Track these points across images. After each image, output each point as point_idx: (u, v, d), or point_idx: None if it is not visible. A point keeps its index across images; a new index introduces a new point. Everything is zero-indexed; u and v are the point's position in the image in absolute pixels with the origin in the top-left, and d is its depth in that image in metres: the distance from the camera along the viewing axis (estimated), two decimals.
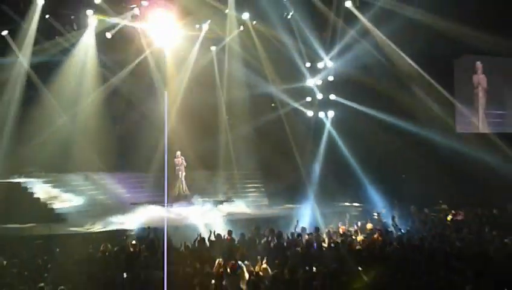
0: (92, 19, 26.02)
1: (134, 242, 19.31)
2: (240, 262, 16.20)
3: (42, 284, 13.40)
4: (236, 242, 19.42)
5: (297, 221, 22.89)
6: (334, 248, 18.37)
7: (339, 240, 19.65)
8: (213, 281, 14.08)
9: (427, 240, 19.61)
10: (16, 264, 16.09)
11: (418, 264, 15.95)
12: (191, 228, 22.10)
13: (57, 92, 25.79)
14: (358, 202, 28.59)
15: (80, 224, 23.62)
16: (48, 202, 25.16)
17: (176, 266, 15.54)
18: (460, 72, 32.29)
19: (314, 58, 30.65)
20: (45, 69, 25.73)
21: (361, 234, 21.22)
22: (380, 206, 26.93)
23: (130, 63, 27.70)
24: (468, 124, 32.61)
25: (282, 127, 30.66)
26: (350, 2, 28.63)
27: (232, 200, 28.38)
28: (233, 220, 24.57)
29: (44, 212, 24.27)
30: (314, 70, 31.13)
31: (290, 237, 20.43)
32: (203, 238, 19.51)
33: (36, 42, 25.16)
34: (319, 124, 31.52)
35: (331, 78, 31.27)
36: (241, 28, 28.85)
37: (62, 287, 13.23)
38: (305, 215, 24.98)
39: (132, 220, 24.22)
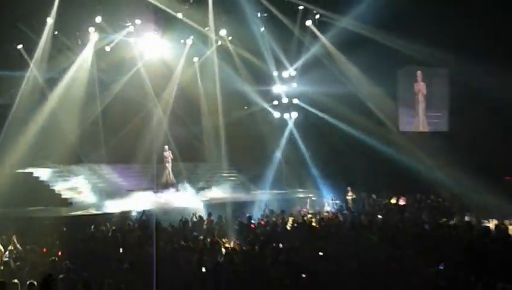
0: (93, 35, 25.90)
1: (129, 223, 19.41)
2: (217, 239, 16.36)
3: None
4: (214, 223, 19.53)
5: (266, 205, 23.07)
6: (297, 228, 18.52)
7: (300, 221, 19.82)
8: (195, 256, 14.13)
9: (376, 221, 19.82)
10: (28, 241, 16.11)
11: (367, 241, 16.13)
12: (177, 211, 22.10)
13: (63, 96, 25.61)
14: (318, 189, 28.68)
15: (83, 207, 23.59)
16: (57, 189, 25.09)
17: (163, 243, 15.61)
18: (403, 80, 32.49)
19: (281, 68, 30.71)
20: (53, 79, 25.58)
21: (319, 215, 21.36)
22: (336, 193, 27.13)
23: (126, 71, 27.59)
24: (410, 124, 32.84)
25: (253, 126, 30.77)
26: (310, 21, 28.80)
27: (211, 188, 28.41)
28: (212, 204, 24.59)
29: (53, 197, 24.19)
30: (281, 78, 31.25)
31: (260, 218, 20.59)
32: (187, 220, 19.59)
33: (47, 55, 24.99)
34: (283, 124, 31.61)
35: (294, 85, 31.40)
36: (219, 42, 28.84)
37: (67, 261, 13.25)
38: (273, 201, 25.15)
39: (128, 204, 24.21)
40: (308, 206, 24.72)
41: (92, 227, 18.35)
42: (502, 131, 27.82)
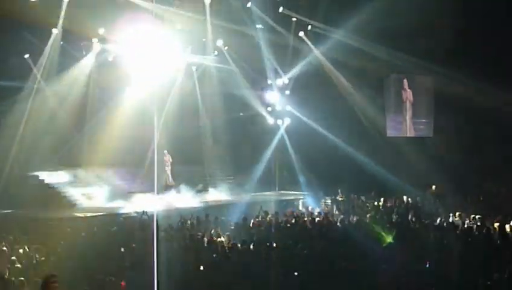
0: (97, 46, 25.88)
1: (130, 222, 19.39)
2: (214, 239, 16.35)
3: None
4: (211, 224, 19.51)
5: (261, 206, 23.06)
6: (290, 228, 18.51)
7: (293, 221, 19.81)
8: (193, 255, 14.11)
9: (363, 221, 19.83)
10: (34, 241, 16.06)
11: (356, 240, 16.15)
12: (176, 212, 22.06)
13: (66, 101, 25.61)
14: (310, 191, 28.67)
15: (86, 208, 23.56)
16: (61, 191, 25.05)
17: (163, 242, 15.58)
18: (390, 88, 32.52)
19: (275, 76, 30.75)
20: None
21: (311, 216, 21.33)
22: (326, 195, 27.16)
23: (127, 79, 27.61)
24: (398, 130, 32.88)
25: (248, 131, 30.79)
26: (303, 32, 28.89)
27: (209, 190, 28.39)
28: (209, 206, 24.63)
29: (57, 199, 24.15)
30: (275, 86, 31.27)
31: (255, 219, 20.57)
32: (185, 221, 19.57)
33: (52, 64, 24.98)
34: (277, 129, 31.60)
35: (287, 93, 31.46)
36: (216, 52, 28.87)
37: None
38: (267, 202, 25.17)
39: (129, 206, 24.22)
40: (300, 208, 24.69)
41: (95, 227, 18.32)
42: (483, 136, 27.94)
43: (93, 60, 26.32)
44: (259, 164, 29.78)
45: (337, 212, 22.86)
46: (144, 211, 21.01)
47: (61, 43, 24.83)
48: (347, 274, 12.22)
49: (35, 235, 17.04)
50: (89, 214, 22.34)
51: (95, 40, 25.75)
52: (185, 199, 25.89)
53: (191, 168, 30.08)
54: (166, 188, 27.12)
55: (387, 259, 13.14)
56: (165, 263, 13.12)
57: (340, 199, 26.62)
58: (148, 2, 24.52)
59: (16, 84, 24.20)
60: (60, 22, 23.91)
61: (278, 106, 31.61)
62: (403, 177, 26.44)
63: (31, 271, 12.60)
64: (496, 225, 17.35)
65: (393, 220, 19.83)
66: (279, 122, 31.61)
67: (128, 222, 19.60)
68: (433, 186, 26.30)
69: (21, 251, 15.10)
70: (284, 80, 30.93)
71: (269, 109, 31.77)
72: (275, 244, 15.36)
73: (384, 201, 24.95)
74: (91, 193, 25.57)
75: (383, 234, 16.03)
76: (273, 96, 31.52)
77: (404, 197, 25.07)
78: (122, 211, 22.96)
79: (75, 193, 25.16)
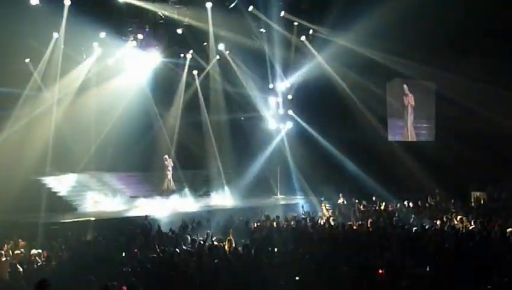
0: (97, 50, 25.94)
1: (131, 227, 19.38)
2: (215, 243, 16.36)
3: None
4: (213, 228, 19.49)
5: (262, 211, 23.07)
6: (291, 232, 18.51)
7: (295, 225, 19.82)
8: (194, 259, 14.11)
9: (365, 225, 19.86)
10: (35, 245, 16.09)
11: (358, 244, 16.17)
12: (177, 217, 22.06)
13: (68, 107, 25.64)
14: (311, 196, 28.67)
15: (87, 213, 23.56)
16: (62, 195, 25.06)
17: (164, 247, 15.61)
18: (392, 93, 32.57)
19: (278, 80, 30.76)
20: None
21: (313, 220, 21.33)
22: (328, 199, 27.18)
23: (129, 84, 27.67)
24: (399, 135, 32.94)
25: (251, 135, 30.78)
26: (304, 36, 28.94)
27: (210, 194, 28.36)
28: (211, 210, 24.62)
29: (58, 203, 24.13)
30: (277, 90, 31.28)
31: (257, 223, 20.57)
32: (186, 225, 19.57)
33: (53, 68, 25.02)
34: (278, 133, 31.59)
35: (290, 97, 31.48)
36: (218, 57, 28.89)
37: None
38: (268, 206, 25.18)
39: (130, 210, 24.25)
40: (302, 211, 24.67)
41: (96, 232, 18.35)
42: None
43: (94, 64, 26.26)
44: (260, 168, 29.80)
45: (333, 217, 22.87)
46: (145, 216, 21.04)
47: (62, 46, 24.81)
48: (347, 278, 12.24)
49: (36, 239, 17.06)
50: (90, 219, 22.29)
51: (95, 43, 25.71)
52: (187, 204, 25.85)
53: (193, 173, 30.11)
54: (167, 192, 27.09)
55: (388, 263, 13.17)
56: (165, 268, 13.23)
57: (341, 202, 26.62)
58: (149, 4, 24.72)
59: (17, 88, 24.26)
60: (63, 25, 23.88)
61: (280, 110, 31.60)
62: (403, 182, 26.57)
63: (32, 276, 12.60)
64: (497, 229, 17.44)
65: (394, 224, 19.90)
66: (281, 126, 31.60)
67: (130, 227, 19.56)
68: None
69: (22, 255, 15.13)
70: (285, 84, 30.94)
71: (271, 113, 31.75)
72: (276, 249, 15.41)
73: (385, 205, 25.00)
74: (92, 198, 25.54)
75: None
76: (275, 101, 31.52)
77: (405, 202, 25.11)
78: (123, 215, 22.95)
79: (76, 198, 25.16)
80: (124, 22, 25.83)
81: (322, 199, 27.52)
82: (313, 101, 29.54)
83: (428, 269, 13.00)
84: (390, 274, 12.12)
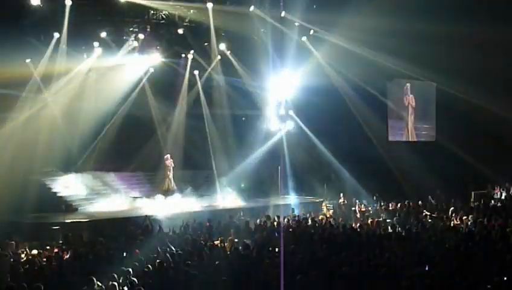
0: (98, 50, 25.94)
1: (132, 227, 19.39)
2: (216, 243, 16.39)
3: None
4: (214, 228, 19.53)
5: (263, 211, 23.12)
6: (291, 232, 18.51)
7: (295, 226, 19.82)
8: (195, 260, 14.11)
9: (365, 225, 19.89)
10: (36, 246, 16.12)
11: (357, 244, 16.19)
12: (178, 217, 22.08)
13: (68, 106, 25.63)
14: (311, 196, 28.68)
15: (88, 213, 23.58)
16: (62, 195, 25.07)
17: (165, 246, 15.62)
18: (393, 93, 32.58)
19: (278, 79, 30.68)
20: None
21: (313, 220, 21.35)
22: (329, 199, 27.21)
23: (130, 84, 27.71)
24: (400, 135, 32.96)
25: (252, 136, 30.73)
26: (305, 37, 28.93)
27: (210, 194, 28.31)
28: (212, 210, 24.65)
29: (59, 204, 24.11)
30: (278, 90, 31.16)
31: (257, 224, 20.59)
32: (187, 225, 19.59)
33: (53, 67, 25.02)
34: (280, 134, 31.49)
35: (291, 97, 31.37)
36: (219, 57, 28.87)
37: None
38: (269, 207, 25.17)
39: (131, 210, 24.27)
40: (302, 212, 24.67)
41: (96, 233, 18.37)
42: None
43: (94, 64, 26.27)
44: (260, 167, 29.80)
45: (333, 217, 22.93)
46: (146, 216, 21.06)
47: (63, 46, 24.81)
48: (349, 278, 12.24)
49: (37, 240, 17.08)
50: (91, 219, 22.34)
51: (96, 44, 25.73)
52: (188, 204, 25.84)
53: (194, 172, 30.09)
54: (168, 192, 27.09)
55: (388, 263, 13.18)
56: (166, 269, 13.24)
57: (341, 202, 26.63)
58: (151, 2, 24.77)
59: (17, 88, 24.24)
60: (65, 24, 23.88)
61: (281, 110, 31.52)
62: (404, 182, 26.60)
63: (33, 276, 12.61)
64: (497, 228, 17.45)
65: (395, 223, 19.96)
66: (282, 126, 31.51)
67: (130, 227, 19.58)
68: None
69: (23, 255, 15.16)
70: (286, 84, 30.85)
71: (272, 112, 31.68)
72: (277, 249, 15.42)
73: (386, 205, 25.02)
74: (93, 198, 25.57)
75: None
76: (275, 101, 31.44)
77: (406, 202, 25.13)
78: (124, 215, 22.96)
79: (77, 198, 25.17)
80: (125, 22, 25.85)
81: (323, 199, 27.56)
82: (313, 101, 29.48)
83: (428, 268, 13.01)
84: (390, 274, 12.12)
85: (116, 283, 11.51)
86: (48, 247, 16.22)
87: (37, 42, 24.27)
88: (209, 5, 25.52)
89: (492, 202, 25.63)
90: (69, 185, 25.89)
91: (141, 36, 26.24)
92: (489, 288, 11.38)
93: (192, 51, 28.53)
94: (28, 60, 24.57)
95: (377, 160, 28.53)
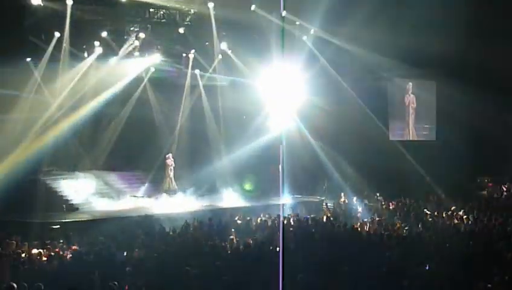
0: (98, 49, 25.92)
1: (133, 227, 19.37)
2: (217, 242, 16.37)
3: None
4: (215, 227, 19.51)
5: (264, 210, 23.12)
6: (292, 231, 18.51)
7: (296, 225, 19.82)
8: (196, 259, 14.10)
9: (366, 224, 19.91)
10: (36, 245, 16.09)
11: (358, 243, 16.20)
12: (179, 216, 22.06)
13: (68, 104, 25.59)
14: (314, 195, 28.68)
15: (89, 213, 23.56)
16: (63, 195, 25.05)
17: (166, 247, 15.62)
18: (393, 93, 32.56)
19: (279, 79, 30.58)
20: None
21: (314, 220, 21.31)
22: (329, 198, 27.19)
23: (130, 83, 27.67)
24: (400, 134, 32.95)
25: (253, 135, 30.65)
26: (305, 36, 28.90)
27: (211, 194, 28.22)
28: (212, 209, 24.62)
29: (60, 203, 24.12)
30: (279, 89, 31.04)
31: (259, 223, 20.59)
32: (188, 224, 19.57)
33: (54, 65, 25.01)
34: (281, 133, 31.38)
35: (292, 96, 31.27)
36: (220, 56, 28.83)
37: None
38: (271, 206, 25.16)
39: (131, 210, 24.25)
40: (303, 211, 24.66)
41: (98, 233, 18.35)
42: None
43: (95, 63, 26.25)
44: (261, 167, 29.76)
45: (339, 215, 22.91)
46: (147, 215, 21.05)
47: (64, 45, 24.80)
48: (349, 278, 12.23)
49: (37, 239, 17.06)
50: (91, 218, 22.34)
51: (96, 43, 25.72)
52: (188, 203, 25.81)
53: (195, 172, 30.02)
54: (169, 191, 27.07)
55: (389, 262, 13.18)
56: (167, 268, 13.24)
57: (342, 202, 26.63)
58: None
59: (18, 87, 24.24)
60: (67, 24, 23.87)
61: (282, 109, 31.45)
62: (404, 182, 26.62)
63: (33, 276, 12.59)
64: (497, 227, 17.46)
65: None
66: (282, 125, 31.44)
67: (131, 226, 19.56)
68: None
69: (23, 255, 15.13)
70: (287, 83, 30.80)
71: (272, 111, 31.63)
72: (278, 249, 15.43)
73: (387, 204, 25.03)
74: (94, 197, 25.53)
75: None
76: (276, 100, 31.40)
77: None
78: (125, 215, 22.94)
79: (77, 197, 25.14)
80: (125, 22, 25.85)
81: (323, 198, 27.56)
82: (314, 100, 29.47)
83: (428, 268, 13.00)
84: (390, 273, 12.11)
85: (116, 283, 11.50)
86: (48, 246, 16.17)
87: (38, 41, 24.29)
88: (210, 5, 25.53)
89: (493, 201, 25.60)
90: (70, 185, 25.87)
91: (142, 35, 26.23)
92: (490, 287, 11.37)
93: (193, 51, 28.50)
94: (28, 59, 24.58)
95: (377, 159, 28.48)
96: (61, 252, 15.53)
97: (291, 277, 12.12)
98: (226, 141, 29.88)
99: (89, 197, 25.44)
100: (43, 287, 10.91)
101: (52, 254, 15.18)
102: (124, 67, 27.09)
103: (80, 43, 25.57)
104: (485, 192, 27.25)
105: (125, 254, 15.15)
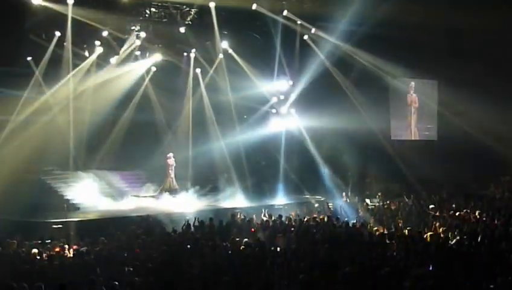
0: (99, 48, 25.91)
1: (133, 227, 19.34)
2: (218, 242, 16.34)
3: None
4: (216, 227, 19.48)
5: (264, 210, 23.09)
6: (294, 231, 18.48)
7: (297, 225, 19.79)
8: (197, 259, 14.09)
9: (368, 224, 19.88)
10: (37, 245, 16.08)
11: (359, 243, 16.17)
12: (180, 216, 22.03)
13: (68, 104, 25.57)
14: (315, 195, 28.66)
15: (90, 212, 23.56)
16: (64, 194, 25.04)
17: (167, 246, 15.59)
18: (395, 92, 32.52)
19: (281, 79, 30.58)
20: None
21: (315, 220, 21.28)
22: (330, 198, 27.15)
23: (132, 83, 27.67)
24: (402, 134, 32.93)
25: (255, 135, 30.59)
26: (307, 35, 28.88)
27: (212, 194, 28.17)
28: (213, 209, 24.59)
29: (61, 202, 24.09)
30: (280, 88, 31.04)
31: (260, 223, 20.57)
32: (189, 224, 19.54)
33: (53, 65, 25.00)
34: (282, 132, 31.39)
35: (293, 96, 31.29)
36: (221, 55, 28.75)
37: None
38: (271, 207, 25.16)
39: (132, 209, 24.23)
40: (305, 211, 24.63)
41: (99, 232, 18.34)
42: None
43: (96, 63, 26.25)
44: (264, 168, 29.77)
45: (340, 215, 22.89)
46: (148, 215, 21.03)
47: (65, 44, 24.80)
48: (351, 278, 12.20)
49: (39, 239, 17.05)
50: (92, 218, 22.33)
51: (97, 42, 25.70)
52: (189, 203, 25.78)
53: (197, 172, 29.98)
54: (170, 191, 27.05)
55: (391, 262, 13.15)
56: (168, 268, 13.21)
57: (344, 202, 26.60)
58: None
59: (19, 86, 24.23)
60: (69, 24, 23.86)
61: (283, 108, 31.46)
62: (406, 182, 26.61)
63: (34, 276, 12.58)
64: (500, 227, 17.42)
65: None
66: (284, 125, 31.45)
67: (132, 226, 19.53)
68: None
69: (24, 255, 15.12)
70: (289, 82, 30.83)
71: (274, 111, 31.64)
72: (279, 249, 15.42)
73: (388, 204, 25.01)
74: (94, 197, 25.52)
75: None
76: (278, 99, 31.40)
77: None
78: (126, 215, 22.92)
79: (78, 196, 25.13)
80: (126, 21, 25.84)
81: (323, 198, 27.54)
82: (315, 100, 29.44)
83: (431, 268, 12.97)
84: (392, 274, 12.07)
85: (117, 283, 11.49)
86: (49, 246, 16.17)
87: (39, 40, 24.30)
88: (212, 4, 25.53)
89: (495, 201, 25.56)
90: (70, 184, 25.87)
91: (143, 35, 26.21)
92: (492, 288, 11.34)
93: (194, 50, 28.47)
94: (29, 58, 24.58)
95: (380, 159, 28.47)
96: (62, 252, 15.51)
97: (292, 277, 12.13)
98: (228, 141, 29.79)
99: (90, 197, 25.43)
100: (43, 287, 10.89)
101: (53, 253, 15.19)
102: (125, 67, 27.05)
103: (81, 42, 25.59)
104: (487, 192, 27.14)
105: (125, 254, 15.13)
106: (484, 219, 19.64)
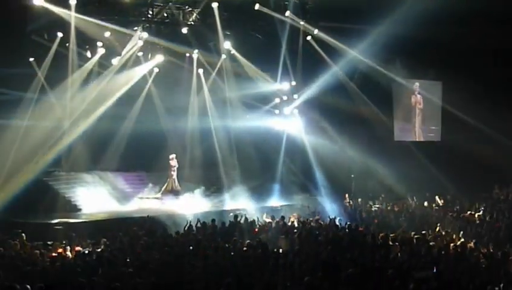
0: (101, 49, 25.92)
1: (135, 228, 19.35)
2: (221, 244, 16.34)
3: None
4: (218, 229, 19.49)
5: (267, 211, 23.09)
6: (296, 233, 18.47)
7: (300, 227, 19.79)
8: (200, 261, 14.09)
9: (371, 226, 19.87)
10: (39, 246, 16.11)
11: (362, 245, 16.15)
12: (182, 217, 22.03)
13: (71, 105, 25.58)
14: (316, 197, 28.63)
15: (92, 214, 23.58)
16: (66, 195, 25.06)
17: (169, 248, 15.60)
18: (399, 93, 32.47)
19: (284, 80, 30.52)
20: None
21: (318, 221, 21.28)
22: (333, 200, 27.12)
23: (133, 83, 27.66)
24: (406, 135, 32.88)
25: (257, 135, 30.54)
26: (310, 36, 28.85)
27: (215, 195, 28.15)
28: (216, 211, 24.58)
29: (63, 204, 24.13)
30: (283, 89, 30.96)
31: (262, 224, 20.58)
32: (191, 226, 19.55)
33: (56, 66, 25.04)
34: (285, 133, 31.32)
35: (296, 96, 31.23)
36: (224, 56, 28.75)
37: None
38: (273, 208, 25.15)
39: (135, 211, 24.24)
40: (307, 213, 24.61)
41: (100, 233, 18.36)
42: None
43: (98, 63, 26.26)
44: (267, 170, 29.74)
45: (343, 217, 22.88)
46: (150, 217, 21.05)
47: (67, 45, 24.83)
48: (354, 280, 12.19)
49: (40, 240, 17.08)
50: (94, 219, 22.35)
51: (99, 43, 25.73)
52: (192, 204, 25.77)
53: (198, 172, 29.97)
54: (172, 192, 27.07)
55: (394, 264, 13.14)
56: (171, 269, 13.22)
57: (346, 203, 26.59)
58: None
59: (21, 87, 24.23)
60: (72, 25, 23.89)
61: (287, 109, 31.42)
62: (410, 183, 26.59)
63: (36, 277, 12.60)
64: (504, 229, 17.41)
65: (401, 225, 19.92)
66: (286, 126, 31.42)
67: (134, 228, 19.54)
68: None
69: (26, 256, 15.14)
70: (292, 83, 30.79)
71: (277, 112, 31.60)
72: (281, 251, 15.42)
73: (392, 206, 24.99)
74: (96, 198, 25.54)
75: None
76: (281, 100, 31.37)
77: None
78: (127, 216, 22.94)
79: (80, 198, 25.15)
80: (128, 22, 25.84)
81: (329, 199, 27.50)
82: (318, 100, 29.43)
83: (435, 271, 12.96)
84: (396, 276, 12.05)
85: (118, 284, 11.49)
86: (51, 247, 16.20)
87: (41, 40, 24.35)
88: (214, 5, 25.55)
89: (500, 202, 25.52)
90: (73, 186, 25.89)
91: (145, 35, 26.21)
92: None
93: (196, 51, 28.47)
94: (31, 59, 24.60)
95: (383, 160, 28.43)
96: (63, 253, 15.54)
97: (295, 279, 12.12)
98: (230, 140, 29.79)
99: (92, 198, 25.45)
100: (45, 288, 10.89)
101: (55, 254, 15.21)
102: (127, 68, 27.04)
103: (83, 43, 25.61)
104: (491, 193, 27.09)
105: (127, 255, 15.14)
106: (488, 220, 19.59)
